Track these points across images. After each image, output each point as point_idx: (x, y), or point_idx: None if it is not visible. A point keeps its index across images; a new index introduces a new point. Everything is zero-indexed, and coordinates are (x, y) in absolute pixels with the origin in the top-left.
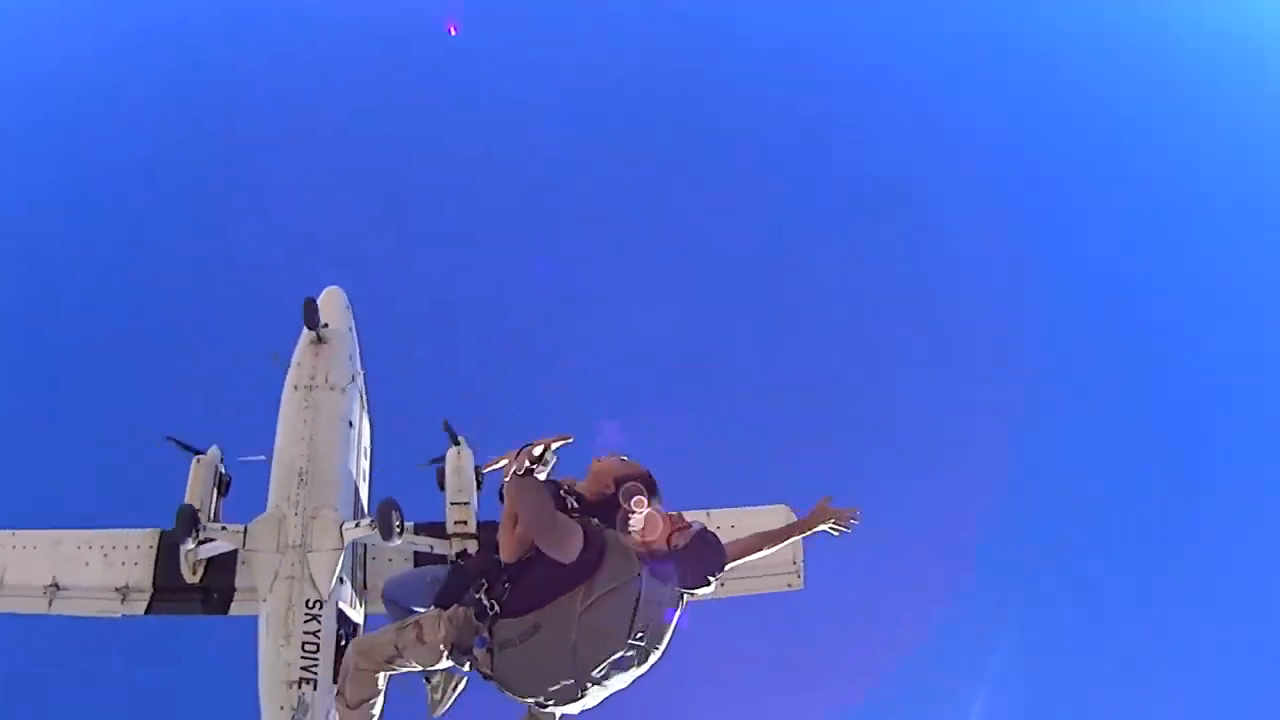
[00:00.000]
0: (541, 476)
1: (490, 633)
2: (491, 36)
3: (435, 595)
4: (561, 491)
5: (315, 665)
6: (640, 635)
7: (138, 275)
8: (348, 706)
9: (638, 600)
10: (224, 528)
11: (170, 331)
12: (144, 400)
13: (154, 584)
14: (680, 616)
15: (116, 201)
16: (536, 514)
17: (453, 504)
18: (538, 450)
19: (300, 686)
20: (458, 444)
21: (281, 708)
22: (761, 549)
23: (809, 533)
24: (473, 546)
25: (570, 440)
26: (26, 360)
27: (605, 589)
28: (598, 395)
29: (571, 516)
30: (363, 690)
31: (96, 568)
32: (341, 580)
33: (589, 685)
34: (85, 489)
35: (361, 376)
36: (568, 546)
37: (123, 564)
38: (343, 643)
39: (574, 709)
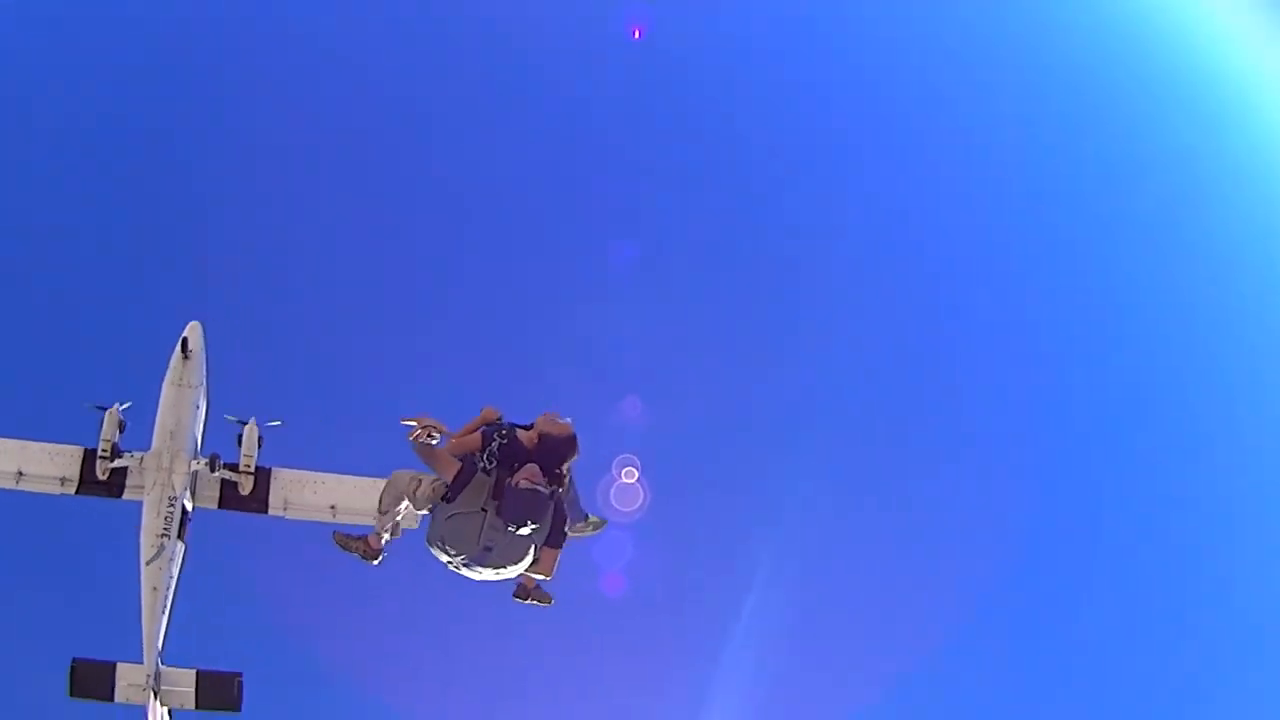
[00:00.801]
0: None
1: None
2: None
3: None
4: (496, 434)
5: (169, 529)
6: (488, 549)
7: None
8: (380, 512)
9: (482, 525)
10: (129, 455)
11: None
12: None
13: (80, 477)
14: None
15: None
16: (423, 458)
17: (244, 455)
18: (425, 434)
19: (160, 539)
20: (245, 423)
21: (151, 547)
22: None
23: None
24: (250, 481)
25: (444, 430)
26: None
27: (457, 511)
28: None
29: (486, 457)
30: (388, 505)
31: (46, 465)
32: (186, 488)
33: (463, 565)
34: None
35: (206, 379)
36: (443, 473)
37: (62, 464)
38: (185, 519)
39: (473, 578)
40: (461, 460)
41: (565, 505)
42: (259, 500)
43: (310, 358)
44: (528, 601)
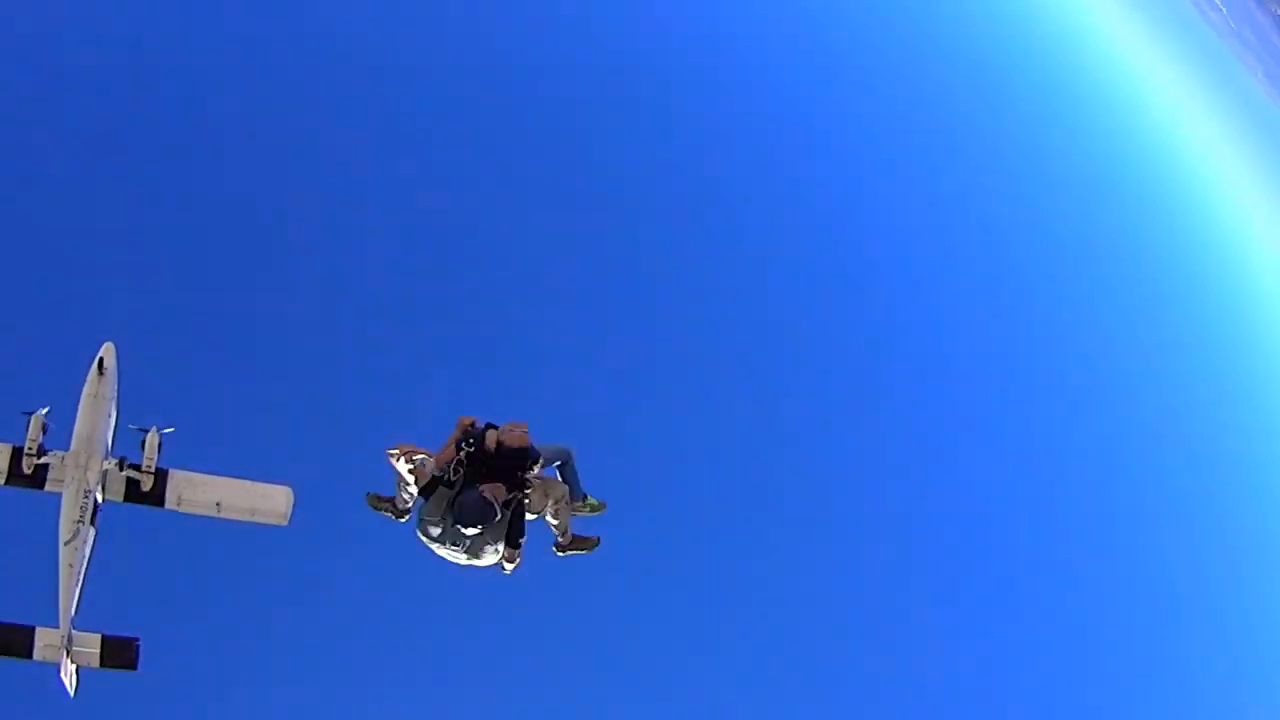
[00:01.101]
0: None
1: None
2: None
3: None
4: (463, 441)
5: (84, 517)
6: (455, 545)
7: None
8: (402, 483)
9: (445, 529)
10: (52, 454)
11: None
12: None
13: (9, 471)
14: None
15: None
16: (401, 481)
17: (146, 458)
18: (406, 460)
19: (76, 524)
20: (147, 430)
21: (68, 531)
22: None
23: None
24: (151, 480)
25: (423, 453)
26: None
27: (426, 515)
28: None
29: (458, 461)
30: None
31: None
32: (98, 484)
33: (444, 551)
34: None
35: (117, 392)
36: (417, 484)
37: None
38: (97, 509)
39: (457, 563)
40: (434, 474)
41: (566, 475)
42: (157, 496)
43: (216, 369)
44: (569, 553)
